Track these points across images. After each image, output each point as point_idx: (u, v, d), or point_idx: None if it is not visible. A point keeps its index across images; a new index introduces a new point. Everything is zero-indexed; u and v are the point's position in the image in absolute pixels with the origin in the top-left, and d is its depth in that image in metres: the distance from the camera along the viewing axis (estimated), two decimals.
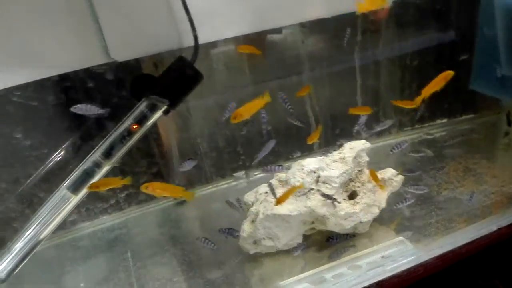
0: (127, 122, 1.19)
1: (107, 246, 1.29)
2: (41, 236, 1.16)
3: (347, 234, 1.13)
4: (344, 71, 1.54)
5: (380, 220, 1.18)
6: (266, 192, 1.12)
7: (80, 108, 1.04)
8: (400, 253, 1.10)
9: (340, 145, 1.23)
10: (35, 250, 1.14)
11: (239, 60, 1.38)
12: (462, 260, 1.12)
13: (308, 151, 1.56)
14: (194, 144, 1.45)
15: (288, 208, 1.06)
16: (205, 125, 1.44)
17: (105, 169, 1.18)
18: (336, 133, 1.56)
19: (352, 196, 1.14)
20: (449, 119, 1.71)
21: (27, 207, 1.27)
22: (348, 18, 1.37)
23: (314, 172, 1.11)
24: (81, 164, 1.17)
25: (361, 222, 1.12)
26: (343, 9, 1.35)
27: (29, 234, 1.16)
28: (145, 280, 1.12)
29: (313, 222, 1.11)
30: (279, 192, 1.08)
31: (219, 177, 1.51)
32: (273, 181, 1.13)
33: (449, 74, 1.06)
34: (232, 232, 1.12)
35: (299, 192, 1.09)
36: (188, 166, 1.14)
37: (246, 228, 1.09)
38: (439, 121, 1.71)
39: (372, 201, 1.13)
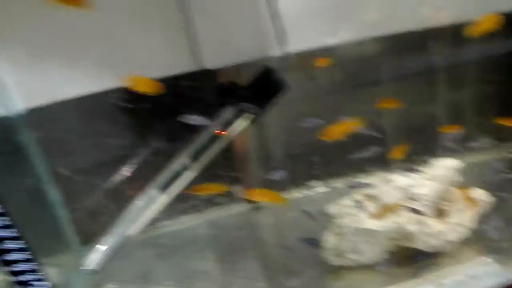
0: (215, 127, 1.23)
1: (187, 246, 1.34)
2: (130, 233, 1.22)
3: (433, 252, 1.11)
4: (425, 83, 1.51)
5: (467, 240, 1.15)
6: (352, 205, 1.12)
7: (190, 119, 1.12)
8: (486, 274, 1.07)
9: (424, 162, 1.21)
10: (123, 246, 1.21)
11: (319, 71, 1.38)
12: None
13: (384, 164, 1.54)
14: (269, 150, 1.46)
15: (377, 223, 1.05)
16: (282, 133, 1.46)
17: (192, 171, 1.23)
18: (415, 147, 1.52)
19: (441, 214, 1.12)
20: None
21: (116, 204, 1.33)
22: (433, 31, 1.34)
23: (405, 188, 1.10)
24: (170, 166, 1.23)
25: (448, 241, 1.09)
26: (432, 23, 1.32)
27: (119, 230, 1.22)
28: (228, 282, 1.15)
29: (399, 239, 1.10)
30: (369, 207, 1.08)
31: (294, 185, 1.51)
32: (359, 195, 1.13)
33: None
34: (314, 242, 1.13)
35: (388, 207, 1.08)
36: (277, 176, 1.15)
37: (330, 240, 1.10)
38: None
39: (460, 220, 1.10)
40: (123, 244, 1.22)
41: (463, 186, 1.16)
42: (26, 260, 0.91)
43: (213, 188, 1.16)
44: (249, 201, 1.47)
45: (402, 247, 1.13)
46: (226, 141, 1.24)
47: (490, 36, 1.31)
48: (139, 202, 1.23)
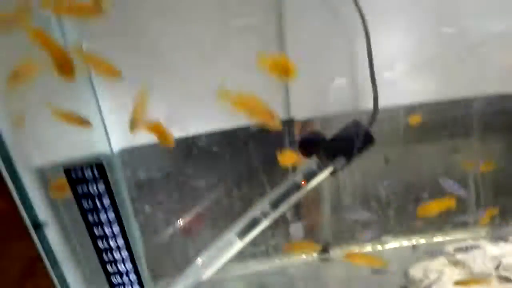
0: (297, 177, 1.23)
1: None
2: (204, 275, 1.23)
3: None
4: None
5: None
6: (439, 270, 1.08)
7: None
8: None
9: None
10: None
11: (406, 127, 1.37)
12: None
13: (470, 227, 1.48)
14: (344, 200, 1.45)
15: None
16: (359, 184, 1.44)
17: (270, 219, 1.23)
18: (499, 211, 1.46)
19: None
20: None
21: (191, 243, 1.35)
22: None
23: (496, 257, 1.05)
24: (249, 211, 1.23)
25: None
26: None
27: (193, 271, 1.23)
28: None
29: None
30: (454, 273, 1.04)
31: (370, 239, 1.48)
32: (445, 261, 1.09)
33: None
34: None
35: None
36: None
37: None
38: None
39: None
40: (197, 285, 1.22)
41: None
42: None
43: (304, 248, 1.15)
44: (321, 251, 1.45)
45: None
46: (306, 191, 1.24)
47: None
48: (216, 245, 1.23)
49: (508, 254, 1.05)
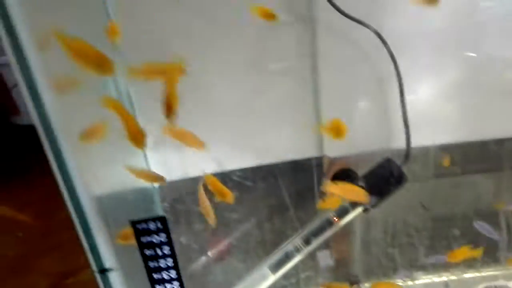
0: (330, 213, 1.26)
1: None
2: None
3: None
4: None
5: None
6: None
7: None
8: None
9: None
10: None
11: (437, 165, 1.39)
12: None
13: (494, 263, 1.48)
14: (374, 235, 1.46)
15: None
16: (390, 219, 1.46)
17: (302, 254, 1.26)
18: None
19: None
20: None
21: (224, 275, 1.38)
22: None
23: None
24: (282, 246, 1.27)
25: None
26: None
27: None
28: None
29: None
30: None
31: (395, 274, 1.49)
32: None
33: None
34: None
35: None
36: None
37: None
38: None
39: None
40: None
41: None
42: None
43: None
44: (351, 286, 1.47)
45: None
46: (338, 228, 1.26)
47: None
48: (249, 278, 1.26)
49: None
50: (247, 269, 1.31)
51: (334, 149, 1.26)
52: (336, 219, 1.25)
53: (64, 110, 0.69)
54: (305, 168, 1.34)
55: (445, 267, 1.42)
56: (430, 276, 1.47)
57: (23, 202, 2.79)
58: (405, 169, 1.23)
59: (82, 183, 0.71)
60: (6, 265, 2.36)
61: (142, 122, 1.17)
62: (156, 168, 1.23)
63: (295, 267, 1.41)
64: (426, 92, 1.22)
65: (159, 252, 0.73)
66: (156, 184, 1.25)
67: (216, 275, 1.38)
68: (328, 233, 1.26)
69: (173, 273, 0.75)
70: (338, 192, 1.11)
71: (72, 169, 0.67)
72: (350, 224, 1.44)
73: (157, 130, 1.18)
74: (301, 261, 1.28)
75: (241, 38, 1.10)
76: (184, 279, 1.34)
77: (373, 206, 1.25)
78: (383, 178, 1.25)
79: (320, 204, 1.17)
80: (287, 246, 1.26)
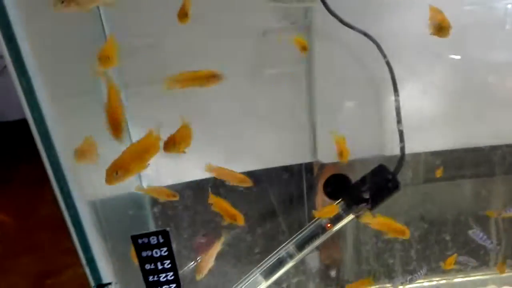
0: (323, 219, 1.25)
1: None
2: None
3: None
4: None
5: None
6: None
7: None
8: None
9: None
10: None
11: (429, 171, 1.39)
12: None
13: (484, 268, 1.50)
14: (365, 241, 1.47)
15: None
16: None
17: (295, 260, 1.25)
18: None
19: None
20: None
21: (215, 280, 1.36)
22: None
23: None
24: (275, 252, 1.26)
25: None
26: None
27: None
28: None
29: None
30: None
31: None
32: None
33: None
34: None
35: None
36: None
37: None
38: None
39: None
40: None
41: None
42: None
43: None
44: None
45: None
46: (330, 234, 1.26)
47: None
48: (241, 284, 1.25)
49: None
50: (239, 275, 1.30)
51: (327, 155, 1.26)
52: (329, 225, 1.25)
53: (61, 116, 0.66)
54: (298, 173, 1.34)
55: (436, 272, 1.43)
56: (421, 281, 1.48)
57: (0, 202, 2.72)
58: (398, 176, 1.23)
59: (79, 191, 0.69)
60: None
61: (133, 129, 1.16)
62: (147, 174, 1.21)
63: (286, 272, 1.41)
64: (419, 100, 1.22)
65: (159, 266, 0.71)
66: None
67: (208, 281, 1.36)
68: (321, 239, 1.25)
69: (173, 286, 0.73)
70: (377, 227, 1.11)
71: (68, 177, 0.64)
72: (342, 229, 1.45)
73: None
74: (292, 266, 1.28)
75: (237, 44, 1.08)
76: None
77: (366, 212, 1.25)
78: (376, 185, 1.25)
79: (316, 213, 1.16)
80: (280, 252, 1.26)
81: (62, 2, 0.62)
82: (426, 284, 1.45)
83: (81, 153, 0.68)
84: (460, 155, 1.34)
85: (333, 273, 1.48)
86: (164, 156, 1.19)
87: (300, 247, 1.25)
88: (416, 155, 1.32)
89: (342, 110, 1.22)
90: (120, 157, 0.70)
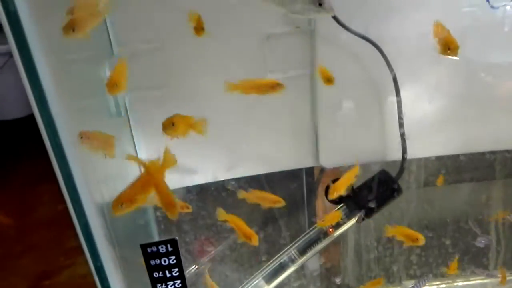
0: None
1: None
2: None
3: None
4: None
5: None
6: None
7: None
8: None
9: None
10: None
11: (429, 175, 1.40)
12: None
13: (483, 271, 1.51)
14: (366, 243, 1.48)
15: None
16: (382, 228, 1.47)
17: (296, 265, 1.26)
18: None
19: None
20: None
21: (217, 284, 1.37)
22: None
23: None
24: (277, 256, 1.26)
25: None
26: None
27: None
28: None
29: None
30: None
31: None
32: None
33: None
34: None
35: None
36: None
37: None
38: None
39: None
40: None
41: None
42: None
43: None
44: None
45: None
46: (332, 239, 1.27)
47: None
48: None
49: None
50: (240, 280, 1.31)
51: (329, 159, 1.26)
52: (331, 230, 1.26)
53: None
54: (299, 177, 1.34)
55: (436, 276, 1.45)
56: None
57: None
58: (400, 181, 1.24)
59: (88, 193, 0.70)
60: None
61: (137, 134, 1.16)
62: None
63: (288, 276, 1.41)
64: (421, 105, 1.23)
65: (167, 274, 0.72)
66: None
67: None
68: (322, 244, 1.26)
69: None
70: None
71: (79, 186, 0.65)
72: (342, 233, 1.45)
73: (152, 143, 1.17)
74: (294, 270, 1.28)
75: (241, 48, 1.09)
76: None
77: (368, 217, 1.26)
78: (378, 190, 1.26)
79: (319, 223, 1.17)
80: (282, 256, 1.26)
81: (73, 30, 0.63)
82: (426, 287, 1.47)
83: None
84: (461, 159, 1.36)
85: (334, 276, 1.48)
86: None
87: (302, 251, 1.26)
88: (417, 160, 1.33)
89: (345, 116, 1.23)
90: (125, 190, 0.72)
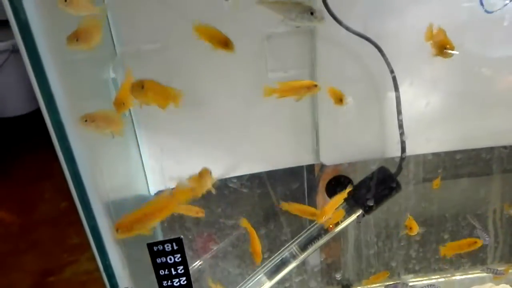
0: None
1: None
2: None
3: None
4: None
5: None
6: None
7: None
8: None
9: None
10: None
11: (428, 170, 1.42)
12: None
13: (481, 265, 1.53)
14: (366, 239, 1.50)
15: None
16: (381, 223, 1.49)
17: (298, 260, 1.28)
18: None
19: None
20: None
21: (219, 280, 1.39)
22: None
23: None
24: (279, 252, 1.28)
25: None
26: None
27: None
28: None
29: None
30: None
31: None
32: None
33: None
34: None
35: None
36: None
37: None
38: None
39: None
40: None
41: None
42: None
43: None
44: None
45: None
46: (333, 234, 1.29)
47: None
48: (245, 285, 1.28)
49: None
50: (242, 275, 1.33)
51: (330, 157, 1.28)
52: (331, 226, 1.28)
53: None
54: (300, 175, 1.36)
55: (434, 270, 1.47)
56: (419, 279, 1.51)
57: (0, 199, 2.73)
58: (399, 178, 1.26)
59: (95, 193, 0.71)
60: None
61: (140, 132, 1.18)
62: (152, 176, 1.23)
63: (289, 271, 1.43)
64: (420, 101, 1.24)
65: (173, 271, 0.74)
66: (152, 192, 1.25)
67: (213, 281, 1.39)
68: (323, 240, 1.28)
69: None
70: None
71: (87, 186, 0.67)
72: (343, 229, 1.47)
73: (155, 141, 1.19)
74: (295, 266, 1.30)
75: (241, 47, 1.10)
76: None
77: (368, 213, 1.28)
78: (377, 186, 1.28)
79: (324, 223, 1.19)
80: (283, 252, 1.28)
81: (77, 40, 0.65)
82: (425, 282, 1.49)
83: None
84: (459, 155, 1.37)
85: (334, 271, 1.51)
86: (171, 158, 1.21)
87: (303, 247, 1.28)
88: (416, 157, 1.35)
89: (345, 113, 1.24)
90: (127, 216, 0.73)
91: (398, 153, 1.22)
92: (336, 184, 1.35)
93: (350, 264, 1.50)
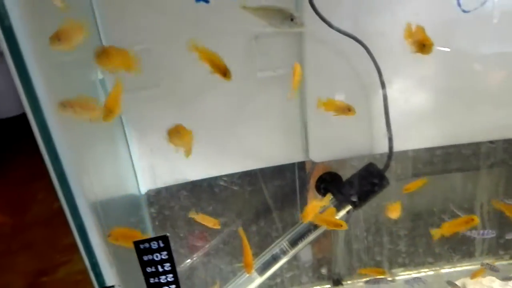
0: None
1: None
2: None
3: None
4: None
5: None
6: None
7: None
8: None
9: None
10: None
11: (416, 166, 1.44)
12: None
13: (469, 258, 1.54)
14: (356, 233, 1.51)
15: None
16: (371, 218, 1.50)
17: (288, 256, 1.29)
18: (501, 242, 1.54)
19: None
20: None
21: (211, 277, 1.40)
22: None
23: None
24: (269, 248, 1.30)
25: None
26: None
27: None
28: None
29: None
30: None
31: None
32: None
33: None
34: None
35: None
36: None
37: None
38: None
39: None
40: None
41: None
42: None
43: None
44: (334, 283, 1.52)
45: None
46: (322, 230, 1.30)
47: None
48: (237, 281, 1.29)
49: None
50: (234, 272, 1.34)
51: (319, 154, 1.29)
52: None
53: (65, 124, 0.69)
54: (290, 172, 1.38)
55: (424, 263, 1.49)
56: (409, 272, 1.53)
57: None
58: (387, 173, 1.28)
59: (81, 192, 0.72)
60: None
61: (129, 132, 1.18)
62: (142, 175, 1.24)
63: (280, 267, 1.45)
64: (407, 99, 1.26)
65: (160, 268, 0.75)
66: (143, 191, 1.25)
67: (204, 278, 1.40)
68: (313, 235, 1.30)
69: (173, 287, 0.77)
70: None
71: (73, 185, 0.67)
72: None
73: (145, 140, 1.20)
74: (286, 261, 1.32)
75: (230, 47, 1.11)
76: None
77: (357, 208, 1.29)
78: (366, 182, 1.29)
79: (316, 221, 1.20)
80: (274, 248, 1.30)
81: (59, 39, 0.66)
82: (414, 275, 1.51)
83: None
84: (447, 150, 1.39)
85: (325, 267, 1.52)
86: (161, 157, 1.22)
87: (293, 243, 1.29)
88: (404, 152, 1.36)
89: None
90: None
91: (386, 149, 1.24)
92: (326, 180, 1.36)
93: (340, 259, 1.51)
